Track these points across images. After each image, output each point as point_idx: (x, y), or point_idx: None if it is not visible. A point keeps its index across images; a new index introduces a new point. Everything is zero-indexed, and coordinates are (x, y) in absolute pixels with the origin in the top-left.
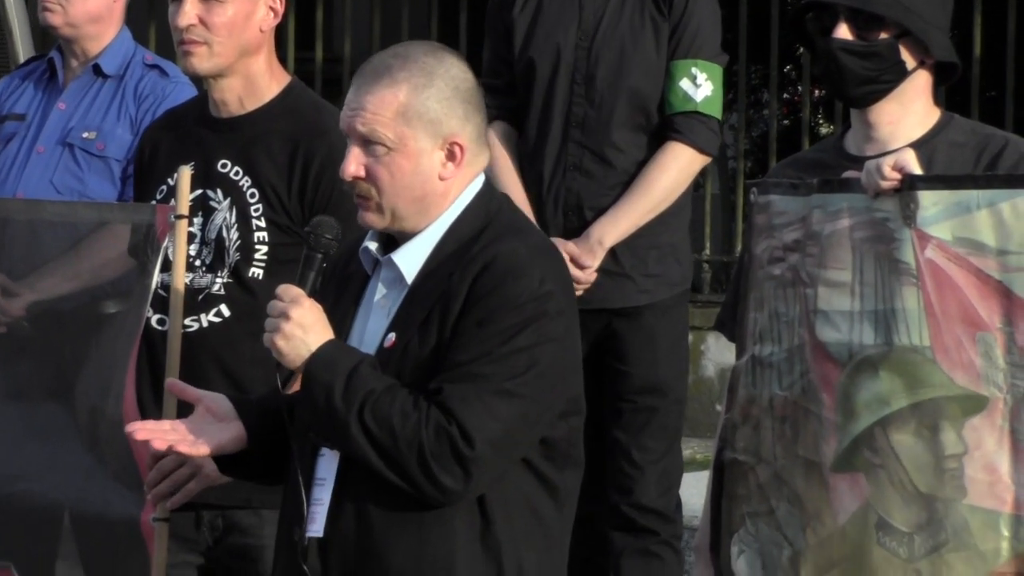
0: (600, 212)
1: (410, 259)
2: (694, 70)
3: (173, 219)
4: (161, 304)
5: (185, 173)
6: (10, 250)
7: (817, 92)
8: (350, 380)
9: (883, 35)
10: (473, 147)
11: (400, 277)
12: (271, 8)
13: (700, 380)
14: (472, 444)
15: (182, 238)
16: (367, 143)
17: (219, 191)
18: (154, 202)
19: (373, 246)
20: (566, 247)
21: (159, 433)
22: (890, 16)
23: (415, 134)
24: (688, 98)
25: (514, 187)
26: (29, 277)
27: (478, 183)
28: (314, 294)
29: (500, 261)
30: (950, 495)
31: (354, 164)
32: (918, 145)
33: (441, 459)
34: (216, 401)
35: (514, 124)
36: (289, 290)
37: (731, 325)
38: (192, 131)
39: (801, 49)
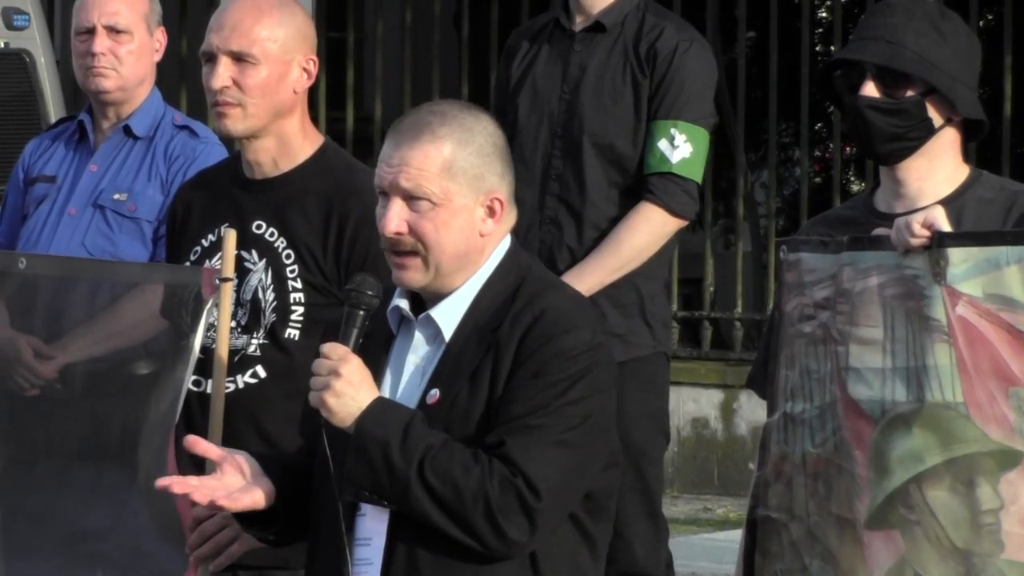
0: (570, 267)
1: (448, 316)
2: (673, 131)
3: (218, 282)
4: (196, 366)
5: (231, 235)
6: (45, 311)
7: (848, 149)
8: (406, 436)
9: (910, 92)
10: (508, 204)
11: (437, 334)
12: (304, 70)
13: (732, 438)
14: (539, 495)
15: (227, 301)
16: (411, 199)
17: (254, 252)
18: (188, 263)
19: (404, 304)
20: None
21: (194, 488)
22: (916, 74)
23: (460, 189)
24: (664, 159)
25: None
26: (62, 339)
27: (507, 241)
28: (356, 351)
29: (549, 314)
30: (987, 550)
31: (396, 220)
32: (947, 202)
33: (508, 511)
34: (243, 459)
35: None
36: (336, 348)
37: (763, 382)
38: (226, 192)
39: (832, 106)
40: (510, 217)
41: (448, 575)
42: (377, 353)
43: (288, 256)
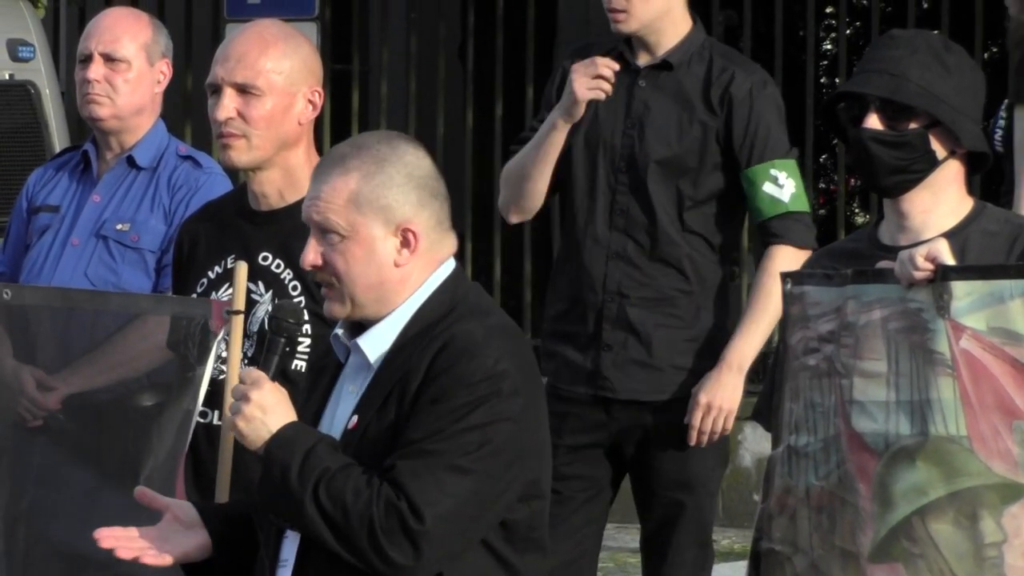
0: (641, 300)
1: (374, 343)
2: (773, 172)
3: (227, 314)
4: (204, 397)
5: (242, 268)
6: (48, 342)
7: (853, 182)
8: (306, 459)
9: (913, 125)
10: (431, 234)
11: (366, 362)
12: (310, 101)
13: (737, 470)
14: (421, 519)
15: (237, 333)
16: (323, 232)
17: (261, 284)
18: (194, 295)
19: (341, 332)
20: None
21: (125, 541)
22: (920, 106)
23: (366, 221)
24: (777, 202)
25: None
26: (64, 370)
27: (445, 269)
28: (276, 378)
29: (456, 340)
30: None
31: (312, 253)
32: (951, 234)
33: (390, 534)
34: (182, 509)
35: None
36: (251, 373)
37: (768, 415)
38: (232, 224)
39: (836, 139)
40: (441, 246)
41: None
42: (326, 380)
43: (295, 288)
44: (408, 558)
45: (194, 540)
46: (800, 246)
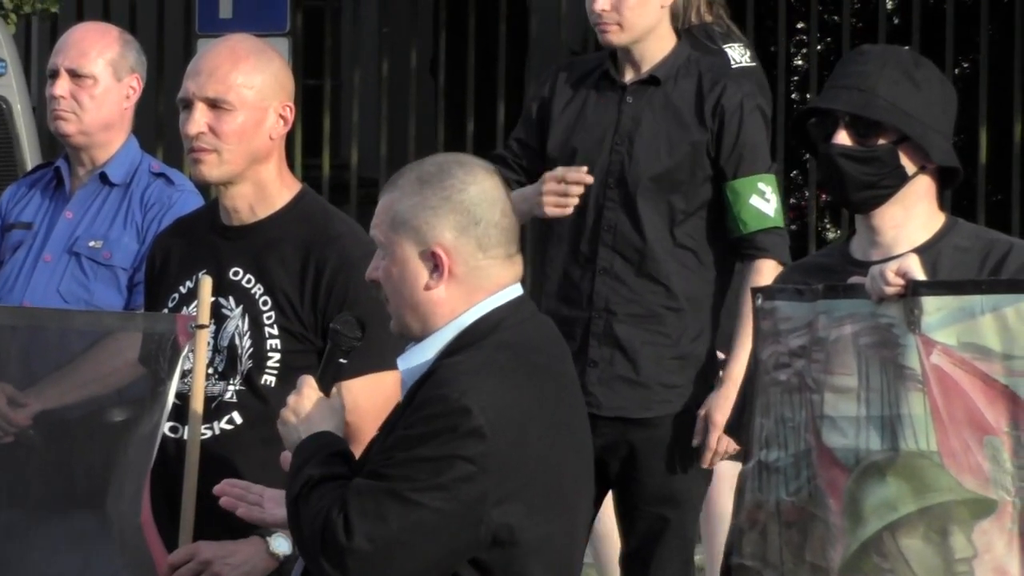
0: (628, 317)
1: (411, 362)
2: (761, 185)
3: (193, 328)
4: (173, 412)
5: (207, 282)
6: (17, 358)
7: (824, 197)
8: (302, 467)
9: (882, 141)
10: (472, 260)
11: (406, 380)
12: (281, 116)
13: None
14: (350, 536)
15: (202, 348)
16: (379, 247)
17: (231, 299)
18: (166, 310)
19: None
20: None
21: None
22: (888, 122)
23: (400, 241)
24: (763, 215)
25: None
26: (36, 386)
27: (502, 296)
28: (329, 389)
29: (438, 372)
30: None
31: (371, 267)
32: (922, 250)
33: (326, 549)
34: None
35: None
36: (302, 379)
37: (740, 430)
38: (203, 239)
39: (807, 154)
40: (486, 273)
41: None
42: None
43: (265, 303)
44: (336, 571)
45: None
46: (783, 262)
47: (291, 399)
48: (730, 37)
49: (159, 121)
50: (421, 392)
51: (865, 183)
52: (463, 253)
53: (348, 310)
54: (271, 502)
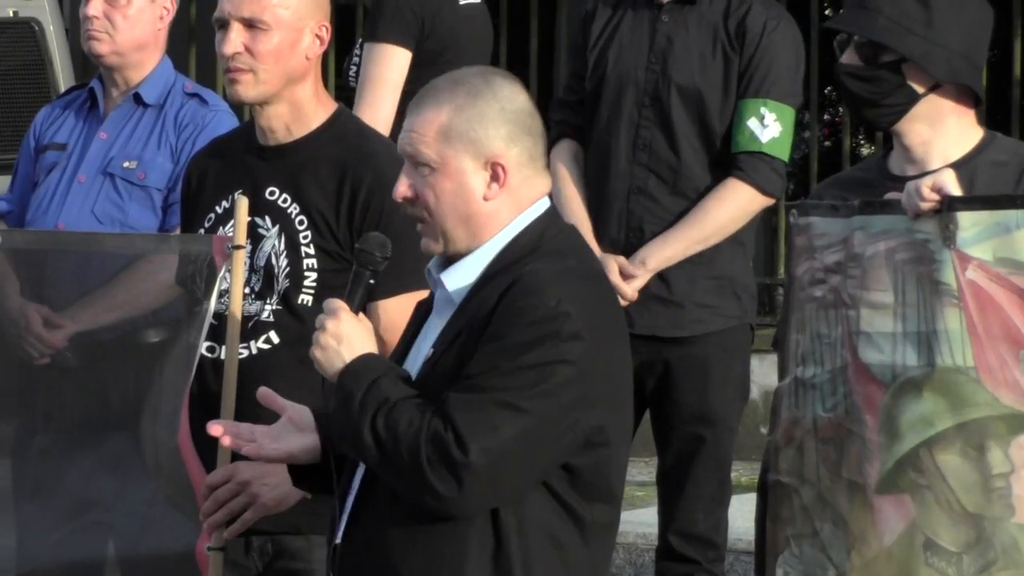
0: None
1: (457, 278)
2: (763, 110)
3: (230, 249)
4: (210, 332)
5: (243, 203)
6: (54, 281)
7: None
8: (370, 389)
9: (886, 59)
10: (523, 170)
11: (450, 297)
12: (317, 36)
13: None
14: (466, 451)
15: (239, 268)
16: (415, 164)
17: (267, 218)
18: (202, 230)
19: (435, 269)
20: (617, 260)
21: (239, 439)
22: (881, 40)
23: (456, 154)
24: (754, 138)
25: (576, 207)
26: (70, 308)
27: (537, 208)
28: (360, 310)
29: (524, 280)
30: (998, 514)
31: (403, 185)
32: (959, 165)
33: (435, 465)
34: (299, 412)
35: (582, 143)
36: (331, 303)
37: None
38: (239, 159)
39: None
40: (534, 184)
41: (408, 531)
42: (423, 313)
43: (301, 222)
44: (451, 490)
45: (302, 441)
46: (761, 188)
47: (329, 323)
48: None
49: (191, 33)
50: (509, 301)
51: (869, 101)
52: (517, 163)
53: (384, 229)
54: (265, 437)
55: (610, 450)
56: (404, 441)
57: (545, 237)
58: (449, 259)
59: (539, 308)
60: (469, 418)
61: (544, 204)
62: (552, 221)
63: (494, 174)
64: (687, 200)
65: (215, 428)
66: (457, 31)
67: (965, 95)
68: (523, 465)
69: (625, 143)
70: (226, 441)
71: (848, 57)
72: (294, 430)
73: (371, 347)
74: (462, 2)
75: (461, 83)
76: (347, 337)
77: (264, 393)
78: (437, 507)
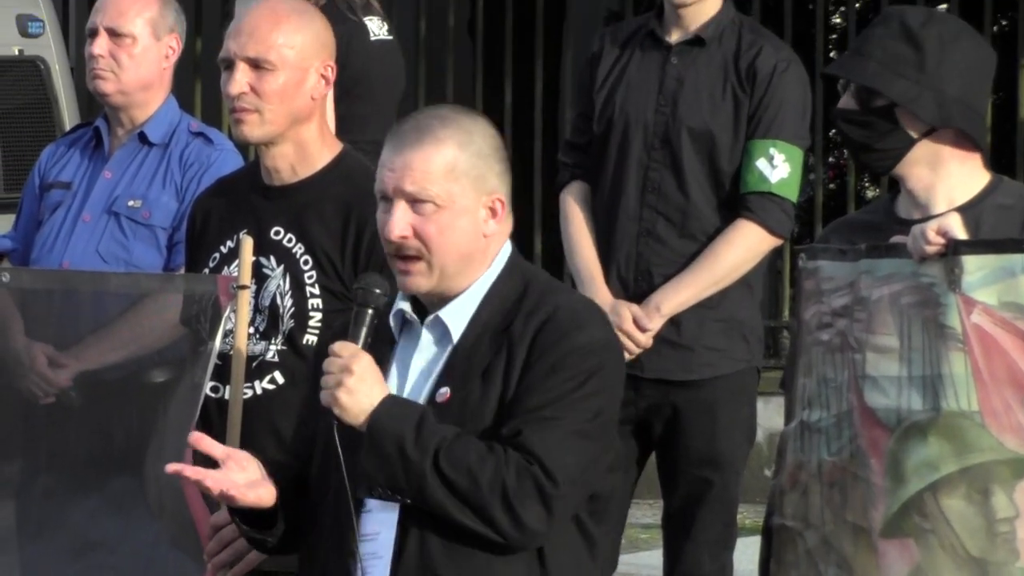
0: (669, 279)
1: (457, 316)
2: (772, 150)
3: (234, 289)
4: (215, 372)
5: (248, 243)
6: (59, 320)
7: None
8: (420, 429)
9: (878, 103)
10: (508, 206)
11: (445, 335)
12: (322, 76)
13: None
14: (556, 482)
15: (244, 308)
16: (415, 202)
17: (272, 258)
18: (207, 270)
19: (407, 307)
20: (630, 308)
21: (206, 476)
22: (871, 85)
23: (462, 191)
24: (763, 178)
25: (586, 249)
26: (75, 347)
27: (509, 244)
28: (366, 350)
29: (562, 313)
30: (1002, 558)
31: (400, 224)
32: (965, 209)
33: (525, 498)
34: (247, 460)
35: (592, 184)
36: (347, 346)
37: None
38: (244, 199)
39: None
40: (510, 219)
41: (459, 567)
42: (380, 356)
43: (306, 262)
44: (542, 522)
45: (263, 488)
46: (771, 229)
47: (355, 367)
48: (369, 9)
49: (196, 69)
50: (560, 335)
51: (863, 145)
52: (507, 199)
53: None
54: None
55: (620, 475)
56: (483, 478)
57: (526, 271)
58: (435, 297)
59: (593, 339)
60: (550, 450)
61: (509, 242)
62: (520, 256)
63: (492, 210)
64: (696, 242)
65: (190, 475)
66: (368, 66)
67: (966, 138)
68: (582, 489)
69: (634, 185)
70: (210, 484)
71: (844, 101)
72: (245, 476)
73: (388, 389)
74: (373, 38)
75: (449, 120)
76: (371, 378)
77: (199, 437)
78: (521, 539)
